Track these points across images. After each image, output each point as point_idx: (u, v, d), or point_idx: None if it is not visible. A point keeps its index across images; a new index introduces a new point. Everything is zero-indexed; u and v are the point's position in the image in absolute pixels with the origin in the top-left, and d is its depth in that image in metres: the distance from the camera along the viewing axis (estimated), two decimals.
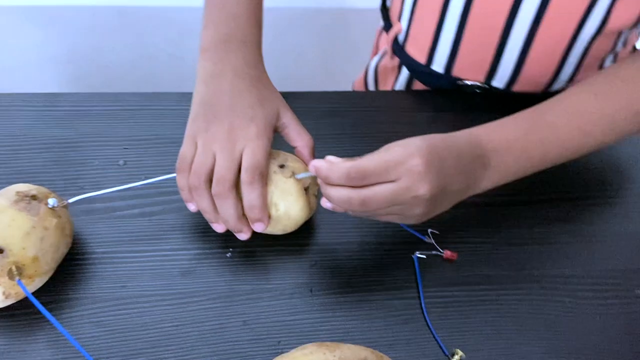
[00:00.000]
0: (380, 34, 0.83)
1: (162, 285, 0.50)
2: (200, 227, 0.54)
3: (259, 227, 0.50)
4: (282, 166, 0.51)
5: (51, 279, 0.49)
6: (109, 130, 0.60)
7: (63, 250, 0.49)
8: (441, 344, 0.48)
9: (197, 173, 0.48)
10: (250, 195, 0.48)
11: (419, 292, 0.51)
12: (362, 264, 0.53)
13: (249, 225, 0.50)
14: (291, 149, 0.53)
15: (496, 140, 0.50)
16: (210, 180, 0.49)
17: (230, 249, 0.53)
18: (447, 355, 0.48)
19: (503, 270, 0.54)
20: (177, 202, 0.55)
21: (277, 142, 0.53)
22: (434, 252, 0.53)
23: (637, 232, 0.57)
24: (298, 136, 0.53)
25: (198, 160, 0.49)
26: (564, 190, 0.60)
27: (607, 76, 0.54)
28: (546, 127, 0.51)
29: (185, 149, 0.50)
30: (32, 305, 0.46)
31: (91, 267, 0.51)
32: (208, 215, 0.50)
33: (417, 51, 0.69)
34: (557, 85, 0.66)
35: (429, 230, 0.54)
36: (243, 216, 0.50)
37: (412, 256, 0.53)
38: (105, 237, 0.52)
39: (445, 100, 0.67)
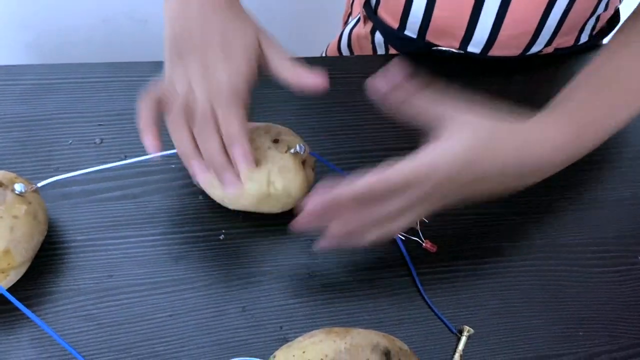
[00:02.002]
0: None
1: (151, 273, 0.46)
2: (190, 209, 0.50)
3: (243, 162, 0.44)
4: (276, 141, 0.47)
5: (29, 271, 0.44)
6: (80, 105, 0.55)
7: (38, 238, 0.44)
8: (447, 323, 0.46)
9: (173, 105, 0.44)
10: (228, 126, 0.43)
11: (411, 273, 0.49)
12: None
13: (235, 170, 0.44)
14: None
15: (547, 147, 0.43)
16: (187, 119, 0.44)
17: (223, 231, 0.49)
18: (455, 333, 0.46)
19: (506, 241, 0.52)
20: (162, 183, 0.51)
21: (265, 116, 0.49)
22: (414, 238, 0.51)
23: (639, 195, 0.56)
24: (287, 68, 0.45)
25: (175, 96, 0.44)
26: None
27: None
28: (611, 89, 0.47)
29: (163, 86, 0.45)
30: (6, 306, 0.42)
31: (72, 257, 0.47)
32: (185, 151, 0.45)
33: (389, 16, 0.67)
34: (534, 49, 0.63)
35: None
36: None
37: (396, 239, 0.50)
38: (85, 223, 0.48)
39: (419, 65, 0.64)
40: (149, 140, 0.44)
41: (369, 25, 0.72)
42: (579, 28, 0.64)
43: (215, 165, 0.44)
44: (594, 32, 0.67)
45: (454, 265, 0.50)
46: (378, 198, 0.40)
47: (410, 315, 0.47)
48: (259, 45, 0.46)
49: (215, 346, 0.44)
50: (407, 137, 0.54)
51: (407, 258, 0.49)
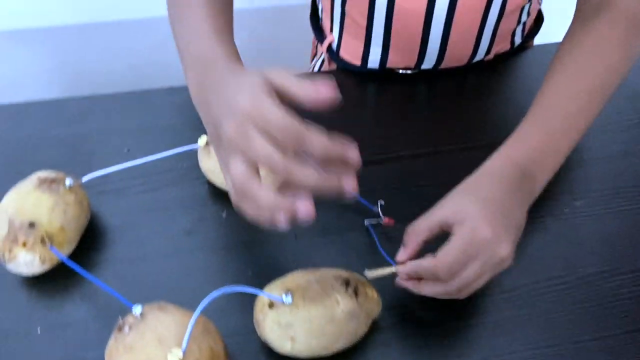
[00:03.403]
0: (316, 42, 0.87)
1: (171, 244, 0.60)
2: (198, 195, 0.64)
3: (357, 161, 0.42)
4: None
5: (77, 247, 0.58)
6: (111, 125, 0.70)
7: (83, 221, 0.58)
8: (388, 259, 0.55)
9: (240, 184, 0.41)
10: (314, 142, 0.40)
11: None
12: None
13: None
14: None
15: (527, 151, 0.53)
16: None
17: (225, 210, 0.62)
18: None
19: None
20: (176, 178, 0.65)
21: None
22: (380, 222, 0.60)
23: None
24: (295, 84, 0.41)
25: (232, 174, 0.42)
26: None
27: (572, 54, 0.58)
28: (555, 114, 0.56)
29: (232, 170, 0.41)
30: (65, 270, 0.55)
31: (110, 235, 0.60)
32: (266, 217, 0.42)
33: (351, 56, 0.76)
34: (477, 57, 0.75)
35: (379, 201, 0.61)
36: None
37: (366, 225, 0.60)
38: (119, 211, 0.62)
39: (383, 89, 0.76)
40: (283, 219, 0.41)
41: (334, 65, 0.81)
42: (510, 34, 0.76)
43: (323, 187, 0.41)
44: (525, 34, 0.79)
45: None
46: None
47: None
48: (267, 76, 0.42)
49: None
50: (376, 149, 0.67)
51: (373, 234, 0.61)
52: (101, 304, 0.56)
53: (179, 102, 0.72)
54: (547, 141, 0.54)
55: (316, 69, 0.86)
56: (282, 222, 0.41)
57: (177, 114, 0.71)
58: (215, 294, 0.48)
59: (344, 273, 0.52)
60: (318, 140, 0.40)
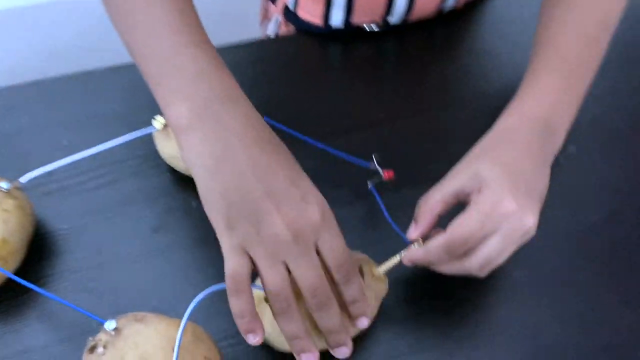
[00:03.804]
0: (267, 2, 0.79)
1: (136, 244, 0.52)
2: (161, 185, 0.56)
3: (364, 323, 0.43)
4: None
5: (25, 260, 0.49)
6: (44, 116, 0.61)
7: (29, 228, 0.49)
8: (399, 232, 0.50)
9: (283, 295, 0.39)
10: (349, 291, 0.41)
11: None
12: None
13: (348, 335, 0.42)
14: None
15: (545, 103, 0.48)
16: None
17: (194, 199, 0.55)
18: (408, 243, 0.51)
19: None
20: (133, 168, 0.57)
21: None
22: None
23: None
24: None
25: (272, 280, 0.38)
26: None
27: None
28: (567, 57, 0.50)
29: (234, 264, 0.39)
30: (14, 288, 0.47)
31: (62, 242, 0.52)
32: (301, 343, 0.40)
33: (311, 15, 0.69)
34: (447, 5, 0.69)
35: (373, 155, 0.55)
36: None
37: (369, 187, 0.54)
38: (69, 213, 0.53)
39: (348, 48, 0.70)
40: (256, 340, 0.40)
41: (291, 26, 0.74)
42: None
43: (334, 340, 0.41)
44: None
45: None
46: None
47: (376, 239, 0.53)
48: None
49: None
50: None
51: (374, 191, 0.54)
52: (63, 323, 0.47)
53: (123, 83, 0.63)
54: (565, 88, 0.49)
55: (272, 33, 0.79)
56: (257, 342, 0.40)
57: (123, 97, 0.62)
58: (202, 295, 0.41)
59: None
60: (357, 288, 0.41)
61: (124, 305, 0.48)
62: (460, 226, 0.42)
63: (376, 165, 0.54)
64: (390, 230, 0.50)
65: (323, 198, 0.40)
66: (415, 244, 0.45)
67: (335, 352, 0.42)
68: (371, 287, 0.45)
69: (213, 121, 0.39)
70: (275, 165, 0.39)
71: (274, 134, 0.42)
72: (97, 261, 0.51)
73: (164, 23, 0.42)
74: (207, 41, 0.43)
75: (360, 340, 0.46)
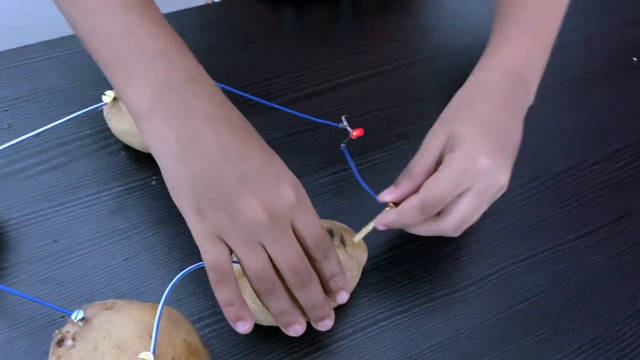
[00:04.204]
0: None
1: (94, 229, 0.49)
2: (117, 165, 0.52)
3: (344, 297, 0.41)
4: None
5: None
6: None
7: None
8: (372, 194, 0.47)
9: (267, 277, 0.38)
10: (328, 266, 0.40)
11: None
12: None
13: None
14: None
15: (517, 56, 0.47)
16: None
17: (154, 177, 0.52)
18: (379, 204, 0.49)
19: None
20: (82, 148, 0.53)
21: None
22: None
23: None
24: None
25: (254, 264, 0.37)
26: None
27: None
28: (535, 9, 0.49)
29: (213, 255, 0.37)
30: None
31: (12, 233, 0.48)
32: (288, 317, 0.40)
33: None
34: None
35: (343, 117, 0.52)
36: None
37: (341, 148, 0.51)
38: (18, 200, 0.49)
39: (299, 7, 0.68)
40: (246, 327, 0.39)
41: None
42: None
43: (318, 314, 0.40)
44: None
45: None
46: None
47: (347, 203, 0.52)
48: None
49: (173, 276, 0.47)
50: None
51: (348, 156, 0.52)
52: (23, 318, 0.44)
53: (64, 57, 0.58)
54: (535, 39, 0.48)
55: None
56: (247, 329, 0.39)
57: (65, 72, 0.58)
58: (179, 276, 0.38)
59: (324, 223, 0.44)
60: (335, 263, 0.40)
61: (87, 294, 0.45)
62: (435, 185, 0.41)
63: (347, 125, 0.51)
64: (362, 196, 0.49)
65: (295, 176, 0.39)
66: (388, 207, 0.44)
67: (318, 326, 0.41)
68: (352, 256, 0.44)
69: (177, 103, 0.37)
70: (246, 147, 0.38)
71: (240, 114, 0.40)
72: (54, 249, 0.47)
73: None
74: (162, 17, 0.40)
75: (341, 309, 0.45)
